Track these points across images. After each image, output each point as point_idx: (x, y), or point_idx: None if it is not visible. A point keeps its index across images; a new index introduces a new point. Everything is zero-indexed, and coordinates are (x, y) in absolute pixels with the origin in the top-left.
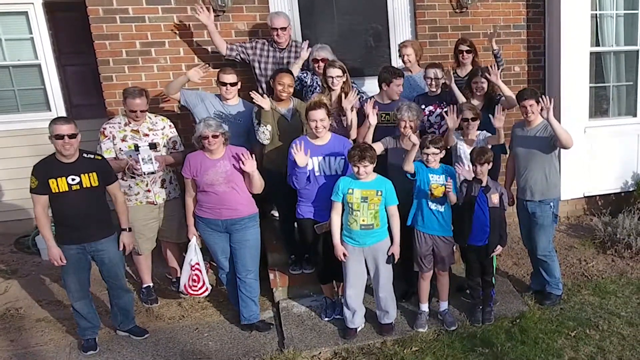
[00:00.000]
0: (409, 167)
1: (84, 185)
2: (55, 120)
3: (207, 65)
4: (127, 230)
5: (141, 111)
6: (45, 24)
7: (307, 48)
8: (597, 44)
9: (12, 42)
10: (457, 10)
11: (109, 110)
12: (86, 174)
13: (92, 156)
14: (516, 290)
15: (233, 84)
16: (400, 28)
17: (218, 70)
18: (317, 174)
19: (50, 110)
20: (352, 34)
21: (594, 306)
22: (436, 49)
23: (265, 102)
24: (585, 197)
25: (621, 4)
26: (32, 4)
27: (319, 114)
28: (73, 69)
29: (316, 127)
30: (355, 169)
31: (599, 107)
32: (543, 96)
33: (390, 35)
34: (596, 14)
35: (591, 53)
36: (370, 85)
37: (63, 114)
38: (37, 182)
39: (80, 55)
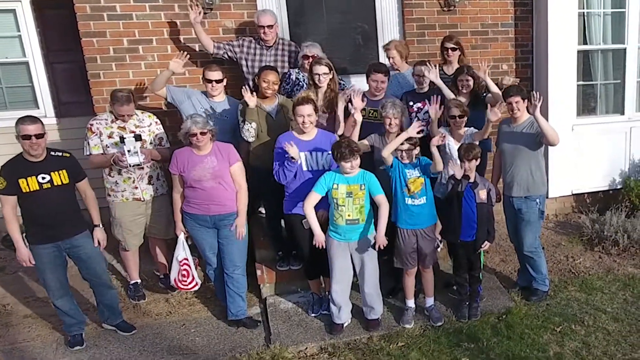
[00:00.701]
0: (387, 153)
1: (55, 183)
2: (22, 120)
3: (186, 53)
4: (100, 226)
5: (128, 115)
6: (33, 22)
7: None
8: (585, 42)
9: (0, 39)
10: (444, 9)
11: (97, 108)
12: (56, 172)
13: (60, 154)
14: (503, 287)
15: (218, 81)
16: (388, 26)
17: (204, 67)
18: (304, 169)
19: (38, 108)
20: (340, 32)
21: (580, 302)
22: (424, 47)
23: (251, 100)
24: (573, 194)
25: (608, 2)
26: (20, 1)
27: (306, 110)
28: (61, 66)
29: (303, 122)
30: (348, 165)
31: (586, 105)
32: (533, 92)
33: (379, 34)
34: (584, 12)
35: (579, 51)
36: (358, 84)
37: (51, 111)
38: (5, 183)
39: (68, 53)
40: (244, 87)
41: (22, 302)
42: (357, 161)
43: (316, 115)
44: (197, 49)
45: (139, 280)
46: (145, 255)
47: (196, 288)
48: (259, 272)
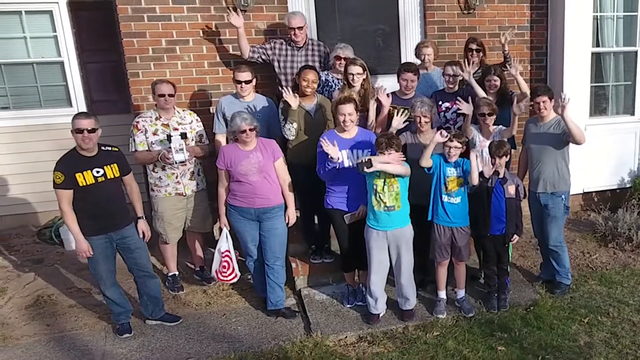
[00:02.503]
0: (426, 162)
1: (108, 177)
2: (77, 115)
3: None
4: (143, 217)
5: (169, 95)
6: (69, 23)
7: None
8: (598, 45)
9: (37, 39)
10: (464, 12)
11: (135, 106)
12: (109, 166)
13: (109, 148)
14: (526, 280)
15: (248, 82)
16: (410, 28)
17: (234, 68)
18: (346, 165)
19: (71, 106)
20: (364, 33)
21: (602, 295)
22: (444, 49)
23: (293, 100)
24: (583, 193)
25: (621, 6)
26: (57, 3)
27: (348, 109)
28: (94, 66)
29: (344, 121)
30: (381, 156)
31: (598, 105)
32: (562, 94)
33: (401, 35)
34: (597, 16)
35: (592, 53)
36: (382, 83)
37: (84, 109)
38: (63, 177)
39: (101, 53)
40: (284, 89)
41: (64, 292)
42: (392, 155)
43: (357, 114)
44: (230, 49)
45: (177, 273)
46: (180, 248)
47: (235, 280)
48: (293, 265)
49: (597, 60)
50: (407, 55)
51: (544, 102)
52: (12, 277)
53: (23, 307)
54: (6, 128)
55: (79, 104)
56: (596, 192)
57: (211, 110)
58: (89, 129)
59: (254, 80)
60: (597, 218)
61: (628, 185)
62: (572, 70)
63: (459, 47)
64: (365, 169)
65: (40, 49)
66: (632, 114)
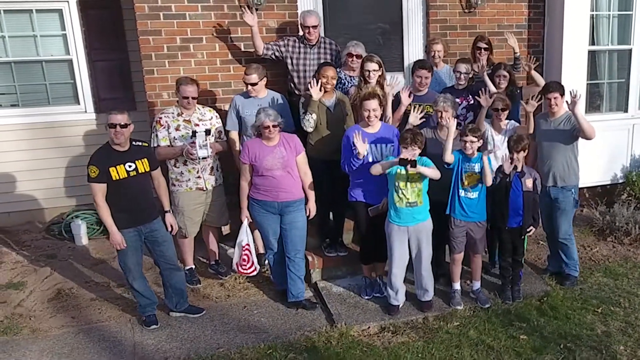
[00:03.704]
0: (449, 157)
1: (140, 171)
2: (111, 111)
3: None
4: (170, 211)
5: (192, 98)
6: (78, 21)
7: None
8: (594, 43)
9: (46, 38)
10: (466, 10)
11: (150, 102)
12: (140, 160)
13: (140, 143)
14: (534, 273)
15: (254, 84)
16: (413, 26)
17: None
18: (369, 159)
19: (79, 104)
20: (369, 31)
21: (610, 287)
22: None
23: (317, 92)
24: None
25: (616, 4)
26: (67, 2)
27: (373, 104)
28: (102, 64)
29: (369, 116)
30: (404, 150)
31: (592, 102)
32: (571, 90)
33: (404, 33)
34: (593, 14)
35: (588, 51)
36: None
37: (91, 107)
38: (98, 171)
39: (109, 51)
40: (312, 80)
41: (83, 286)
42: (417, 151)
43: (380, 109)
44: (242, 47)
45: (194, 266)
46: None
47: (254, 273)
48: (309, 258)
49: (592, 58)
50: (410, 52)
51: (555, 98)
52: (29, 271)
53: (45, 300)
54: (15, 125)
55: (86, 101)
56: (587, 187)
57: (223, 108)
58: (122, 124)
59: (264, 79)
60: (594, 213)
61: (621, 181)
62: (569, 68)
63: (460, 45)
64: (410, 168)
65: (49, 47)
66: (625, 110)
